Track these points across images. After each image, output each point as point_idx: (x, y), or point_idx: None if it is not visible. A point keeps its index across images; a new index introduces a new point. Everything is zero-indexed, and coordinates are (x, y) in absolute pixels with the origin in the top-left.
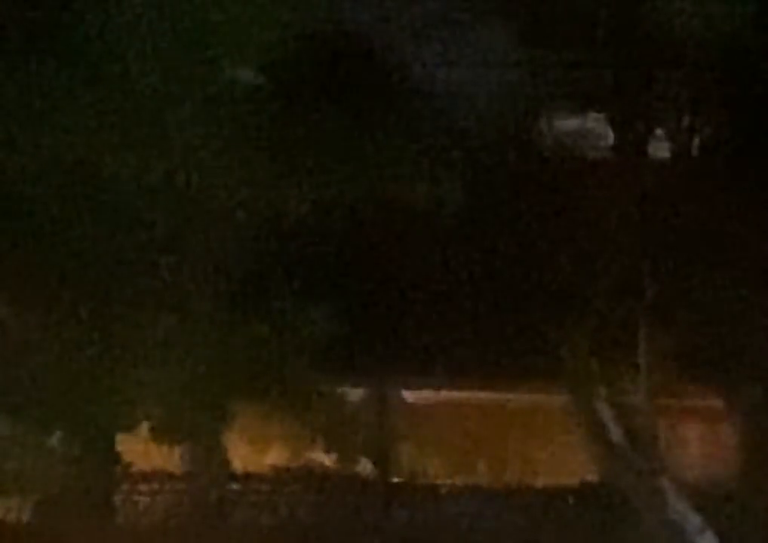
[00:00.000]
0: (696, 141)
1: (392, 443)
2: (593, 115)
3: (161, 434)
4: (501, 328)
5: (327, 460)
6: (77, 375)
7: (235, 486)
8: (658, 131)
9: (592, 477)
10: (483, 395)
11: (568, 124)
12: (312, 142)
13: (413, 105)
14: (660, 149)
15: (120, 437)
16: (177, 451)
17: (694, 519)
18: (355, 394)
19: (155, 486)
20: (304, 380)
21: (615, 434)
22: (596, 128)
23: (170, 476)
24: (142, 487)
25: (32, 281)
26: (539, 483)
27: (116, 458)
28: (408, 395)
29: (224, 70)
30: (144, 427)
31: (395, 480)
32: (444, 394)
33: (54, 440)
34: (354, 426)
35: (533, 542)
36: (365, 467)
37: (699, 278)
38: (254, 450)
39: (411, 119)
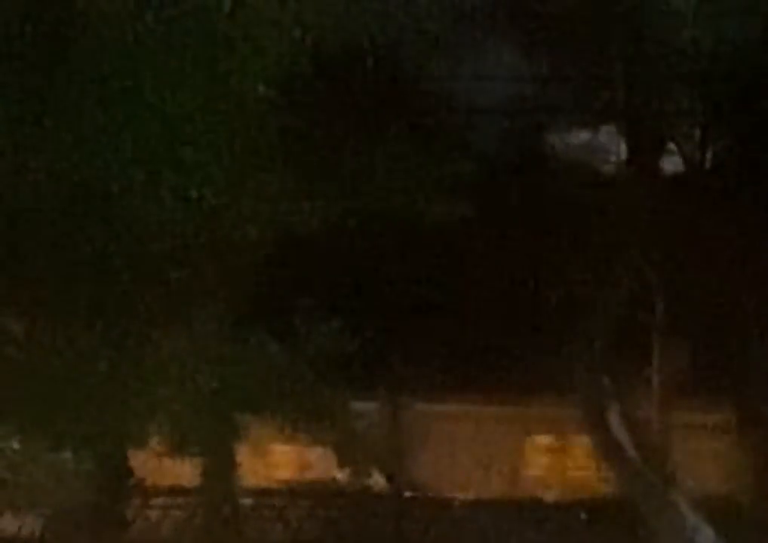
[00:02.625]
0: (708, 155)
1: (405, 457)
2: (605, 129)
3: (173, 448)
4: (514, 342)
5: (340, 474)
6: (89, 391)
7: (247, 501)
8: (670, 145)
9: (605, 491)
10: (496, 409)
11: (580, 138)
12: (324, 158)
13: (427, 120)
14: (672, 164)
15: (132, 452)
16: (189, 466)
17: (706, 532)
18: (368, 408)
19: (167, 500)
20: (316, 395)
21: (628, 447)
22: (607, 142)
23: (182, 490)
24: (154, 502)
25: (45, 298)
26: (552, 496)
27: (128, 473)
28: (421, 409)
29: (237, 85)
30: (156, 442)
31: (408, 493)
32: (456, 408)
33: (67, 455)
34: (367, 440)
35: None
36: (378, 481)
37: (712, 293)
38: (266, 465)
39: (424, 134)
